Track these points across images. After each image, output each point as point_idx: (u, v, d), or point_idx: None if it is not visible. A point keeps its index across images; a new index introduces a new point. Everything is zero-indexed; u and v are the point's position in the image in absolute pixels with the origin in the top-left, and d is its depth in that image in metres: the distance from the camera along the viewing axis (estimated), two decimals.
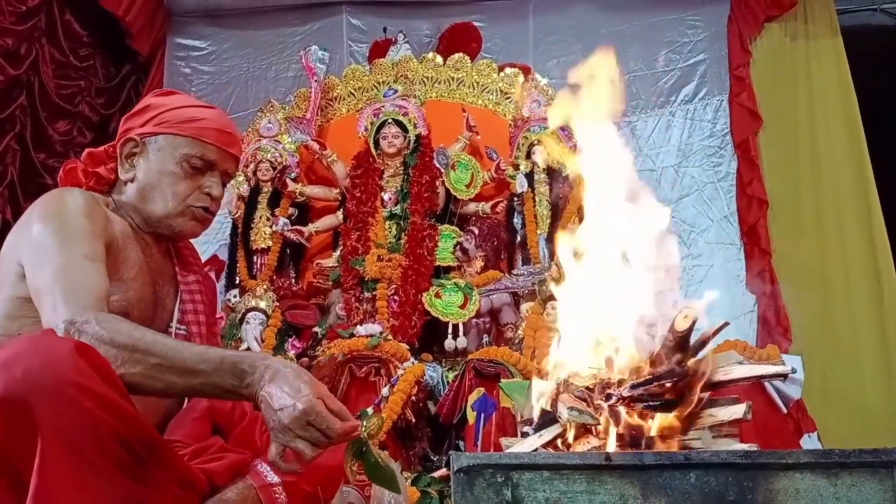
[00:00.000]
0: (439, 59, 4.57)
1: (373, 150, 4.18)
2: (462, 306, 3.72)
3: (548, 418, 1.29)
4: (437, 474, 2.92)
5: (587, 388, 1.29)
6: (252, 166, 4.29)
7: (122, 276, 1.38)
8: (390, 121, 4.16)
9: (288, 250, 4.27)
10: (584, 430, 1.26)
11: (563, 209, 4.00)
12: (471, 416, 3.05)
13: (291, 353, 3.70)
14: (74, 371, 1.04)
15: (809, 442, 3.57)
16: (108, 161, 1.52)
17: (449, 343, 3.68)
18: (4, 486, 1.06)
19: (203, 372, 1.13)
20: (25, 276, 1.31)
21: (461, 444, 3.19)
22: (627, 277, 1.44)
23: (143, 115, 1.51)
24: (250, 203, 4.28)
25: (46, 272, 1.27)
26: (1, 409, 1.01)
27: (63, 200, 1.37)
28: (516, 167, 4.13)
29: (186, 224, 1.49)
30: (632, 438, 1.23)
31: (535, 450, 1.26)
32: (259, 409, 1.13)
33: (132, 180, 1.48)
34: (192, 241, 1.63)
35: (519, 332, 3.62)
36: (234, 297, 4.06)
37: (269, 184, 4.29)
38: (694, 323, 1.29)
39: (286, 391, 1.09)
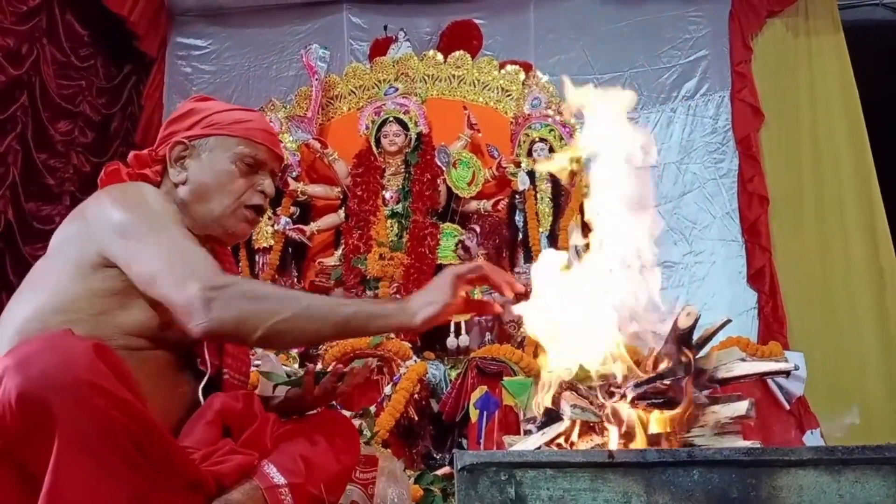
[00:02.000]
0: (440, 56, 4.56)
1: (374, 149, 4.18)
2: None
3: (551, 416, 1.29)
4: (439, 472, 2.92)
5: (590, 386, 1.30)
6: None
7: None
8: (391, 119, 4.16)
9: (290, 249, 4.27)
10: (587, 428, 1.26)
11: (565, 206, 4.00)
12: (473, 414, 3.05)
13: (294, 353, 3.70)
14: (90, 370, 1.05)
15: (812, 439, 3.56)
16: (152, 164, 1.52)
17: (451, 341, 3.68)
18: (13, 480, 1.08)
19: (352, 303, 1.30)
20: (107, 267, 1.31)
21: (464, 442, 3.20)
22: (626, 275, 1.44)
23: (187, 118, 1.52)
24: None
25: (153, 256, 1.29)
26: (17, 405, 1.03)
27: (133, 191, 1.40)
28: (518, 165, 4.13)
29: (238, 225, 1.50)
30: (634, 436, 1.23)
31: (539, 448, 1.26)
32: (411, 312, 1.27)
33: (184, 182, 1.48)
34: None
35: (521, 330, 3.62)
36: None
37: None
38: (696, 320, 1.29)
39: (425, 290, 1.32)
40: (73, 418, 1.03)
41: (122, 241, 1.32)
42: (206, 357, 1.45)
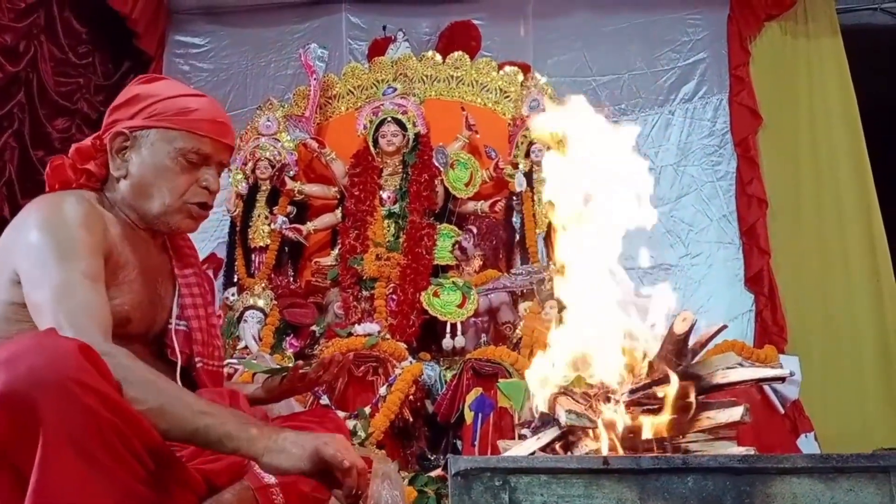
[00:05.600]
0: (439, 57, 4.56)
1: (371, 149, 4.17)
2: (460, 305, 3.72)
3: (546, 421, 1.29)
4: (434, 474, 2.92)
5: (586, 392, 1.29)
6: (251, 164, 4.28)
7: (123, 279, 1.37)
8: (389, 119, 4.15)
9: (286, 249, 4.26)
10: (582, 434, 1.26)
11: None
12: (468, 415, 3.05)
13: (289, 352, 3.70)
14: (78, 368, 1.05)
15: (806, 442, 3.57)
16: (96, 155, 1.47)
17: (447, 342, 3.68)
18: (5, 482, 1.07)
19: (210, 413, 1.15)
20: (21, 284, 1.30)
21: (459, 443, 3.19)
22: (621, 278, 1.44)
23: (130, 106, 1.45)
24: (249, 201, 4.27)
25: (46, 290, 1.24)
26: (4, 404, 1.02)
27: (62, 209, 1.33)
28: (515, 166, 4.13)
29: (183, 222, 1.46)
30: (630, 442, 1.23)
31: (533, 453, 1.26)
32: (270, 449, 1.14)
33: (125, 177, 1.43)
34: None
35: (517, 331, 3.62)
36: (232, 295, 4.06)
37: (268, 182, 4.29)
38: (692, 326, 1.29)
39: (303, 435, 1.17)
40: (62, 416, 1.02)
41: (26, 263, 1.29)
42: (176, 347, 1.44)
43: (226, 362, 3.43)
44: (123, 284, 1.36)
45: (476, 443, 2.88)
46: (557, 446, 1.26)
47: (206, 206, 1.47)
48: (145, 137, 1.42)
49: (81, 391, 1.04)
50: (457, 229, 4.06)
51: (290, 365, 1.63)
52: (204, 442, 1.17)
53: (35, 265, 1.28)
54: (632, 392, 1.25)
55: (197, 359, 1.46)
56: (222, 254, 4.34)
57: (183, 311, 1.49)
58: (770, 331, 4.31)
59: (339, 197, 4.28)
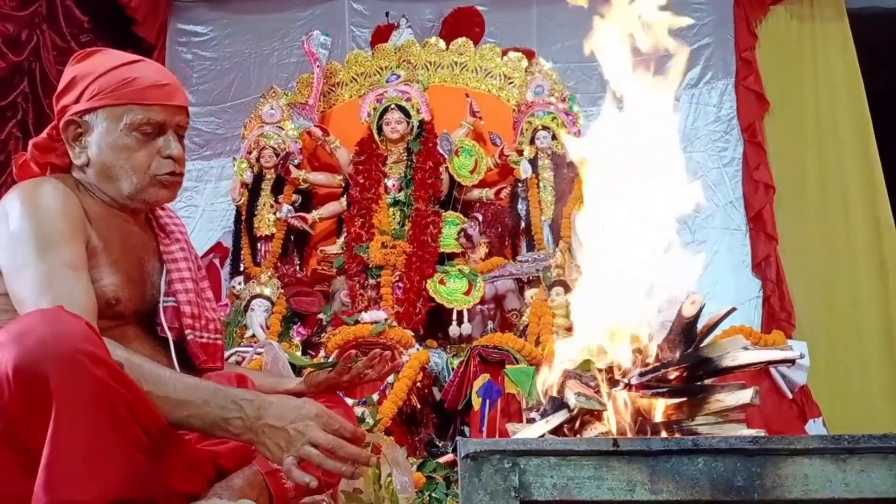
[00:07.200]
0: (442, 43, 4.54)
1: (376, 136, 4.16)
2: (466, 293, 3.72)
3: (555, 404, 1.29)
4: (442, 460, 2.93)
5: (594, 374, 1.29)
6: (255, 153, 4.28)
7: (108, 260, 1.35)
8: (393, 106, 4.14)
9: (292, 237, 4.27)
10: (591, 416, 1.25)
11: (568, 194, 3.99)
12: (476, 402, 3.06)
13: (297, 341, 3.70)
14: (85, 340, 1.06)
15: (814, 427, 3.57)
16: (56, 146, 1.44)
17: (453, 330, 3.68)
18: (9, 458, 1.08)
19: (192, 403, 1.16)
20: (2, 276, 1.29)
21: (466, 429, 3.20)
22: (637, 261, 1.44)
23: (72, 90, 1.40)
24: (254, 190, 4.28)
25: (27, 283, 1.24)
26: (15, 377, 1.03)
27: (40, 197, 1.32)
28: (520, 153, 4.11)
29: (158, 193, 1.42)
30: (640, 424, 1.23)
31: (543, 436, 1.26)
32: (255, 441, 1.16)
33: (87, 164, 1.40)
34: (171, 206, 1.58)
35: (523, 318, 3.62)
36: (239, 284, 4.07)
37: (273, 170, 4.29)
38: (701, 309, 1.29)
39: (291, 406, 1.15)
40: (72, 387, 1.03)
41: (8, 255, 1.28)
42: (164, 323, 1.42)
43: (233, 350, 3.45)
44: (107, 266, 1.35)
45: (484, 429, 2.88)
46: (566, 429, 1.26)
47: (175, 174, 1.43)
48: (94, 119, 1.38)
49: (91, 363, 1.05)
50: (462, 217, 4.06)
51: (332, 360, 1.62)
52: (191, 428, 1.20)
53: (15, 257, 1.27)
54: (641, 375, 1.25)
55: (187, 331, 1.44)
56: (228, 243, 4.34)
57: (170, 287, 1.46)
58: (777, 317, 4.31)
59: (343, 185, 4.27)
